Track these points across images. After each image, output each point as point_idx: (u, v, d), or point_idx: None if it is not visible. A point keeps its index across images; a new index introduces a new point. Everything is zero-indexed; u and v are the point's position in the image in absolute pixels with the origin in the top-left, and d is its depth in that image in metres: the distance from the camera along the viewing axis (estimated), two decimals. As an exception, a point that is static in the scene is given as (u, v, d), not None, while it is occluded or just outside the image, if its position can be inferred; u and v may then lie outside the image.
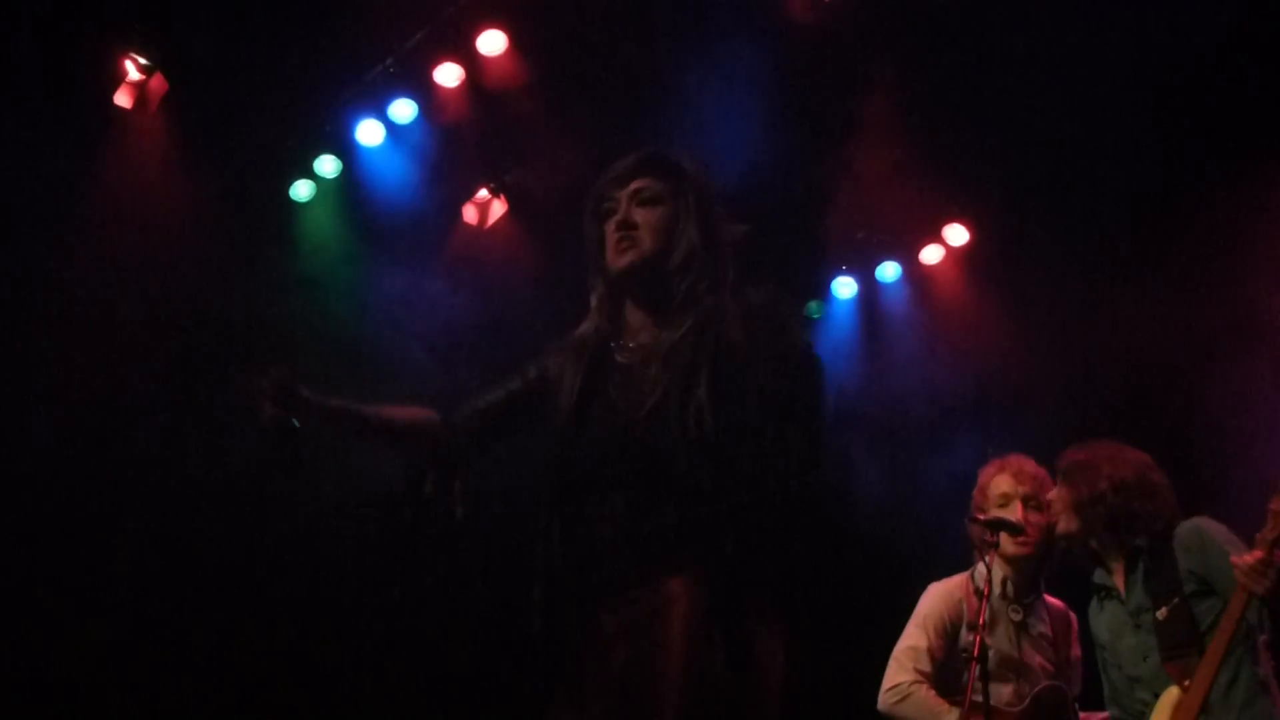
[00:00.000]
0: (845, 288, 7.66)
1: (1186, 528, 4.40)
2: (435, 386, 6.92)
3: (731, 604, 2.87)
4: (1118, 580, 4.52)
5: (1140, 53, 6.16)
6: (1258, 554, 4.06)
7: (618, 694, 2.90)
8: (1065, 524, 4.59)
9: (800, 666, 3.16)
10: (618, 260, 3.20)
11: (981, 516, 4.69)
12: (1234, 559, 4.12)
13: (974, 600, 4.59)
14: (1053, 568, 4.89)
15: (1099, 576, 4.60)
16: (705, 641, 2.83)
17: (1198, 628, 4.25)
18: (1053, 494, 4.68)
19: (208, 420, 6.70)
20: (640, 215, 3.19)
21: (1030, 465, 4.87)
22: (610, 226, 3.21)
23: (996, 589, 4.79)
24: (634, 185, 3.23)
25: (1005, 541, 4.73)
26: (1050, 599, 4.93)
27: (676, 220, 3.20)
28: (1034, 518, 4.75)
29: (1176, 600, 4.31)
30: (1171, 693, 4.28)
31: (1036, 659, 4.75)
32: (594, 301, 3.27)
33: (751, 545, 2.92)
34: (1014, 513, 4.75)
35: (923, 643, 4.79)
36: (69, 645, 6.25)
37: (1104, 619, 4.58)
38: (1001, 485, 4.85)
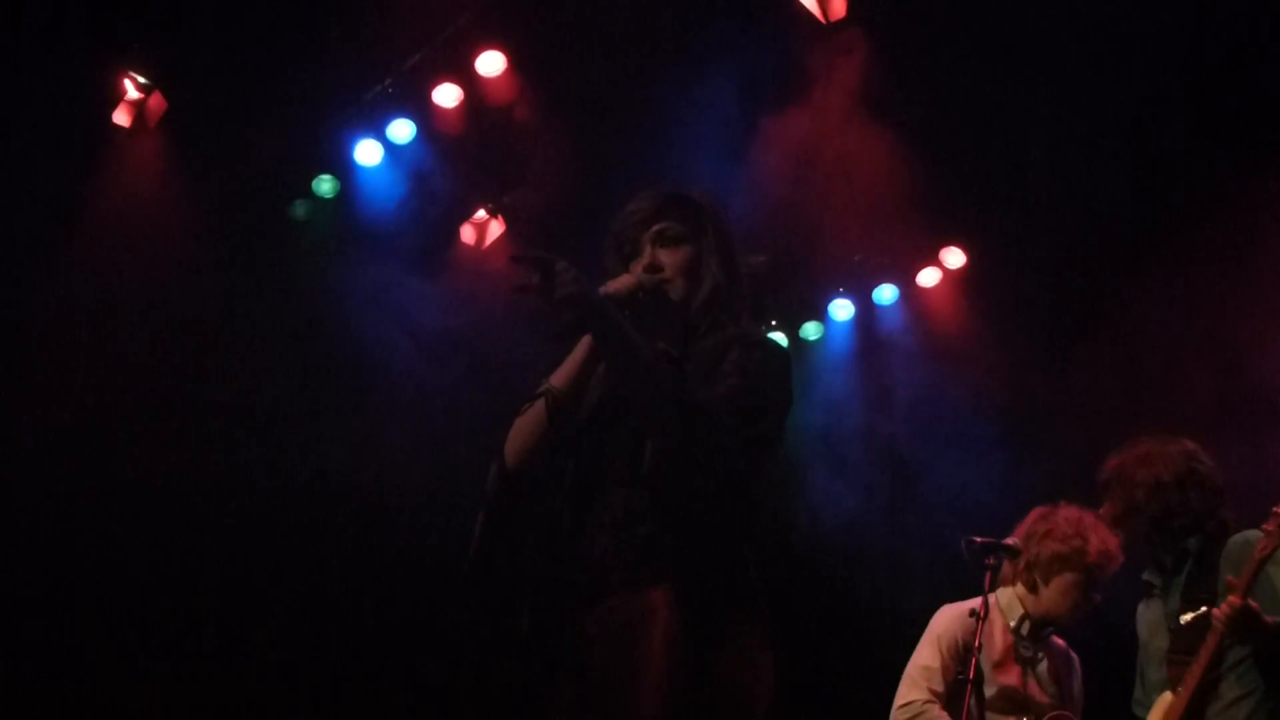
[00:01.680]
0: (842, 310, 7.66)
1: (1237, 540, 4.34)
2: (430, 398, 6.95)
3: (709, 614, 2.89)
4: (1163, 579, 4.50)
5: (1135, 79, 6.20)
6: (1234, 600, 4.03)
7: (599, 702, 2.92)
8: (1120, 537, 4.57)
9: (794, 680, 3.15)
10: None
11: (979, 539, 4.66)
12: (1213, 610, 4.08)
13: (974, 622, 4.58)
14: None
15: (1148, 574, 4.57)
16: (684, 653, 2.85)
17: None
18: (1102, 510, 4.64)
19: (206, 437, 6.70)
20: (665, 257, 3.24)
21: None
22: (636, 268, 3.24)
23: (1012, 622, 4.78)
24: (656, 228, 3.26)
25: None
26: (1055, 639, 4.91)
27: (700, 259, 3.24)
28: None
29: (1205, 609, 4.27)
30: (1166, 697, 4.27)
31: (1042, 696, 4.75)
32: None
33: (723, 553, 2.95)
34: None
35: (936, 662, 4.76)
36: (67, 648, 6.27)
37: (1146, 617, 4.57)
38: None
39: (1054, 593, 4.75)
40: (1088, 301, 6.97)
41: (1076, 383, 6.93)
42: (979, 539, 4.65)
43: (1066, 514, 4.80)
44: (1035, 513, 4.87)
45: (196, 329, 6.75)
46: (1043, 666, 4.79)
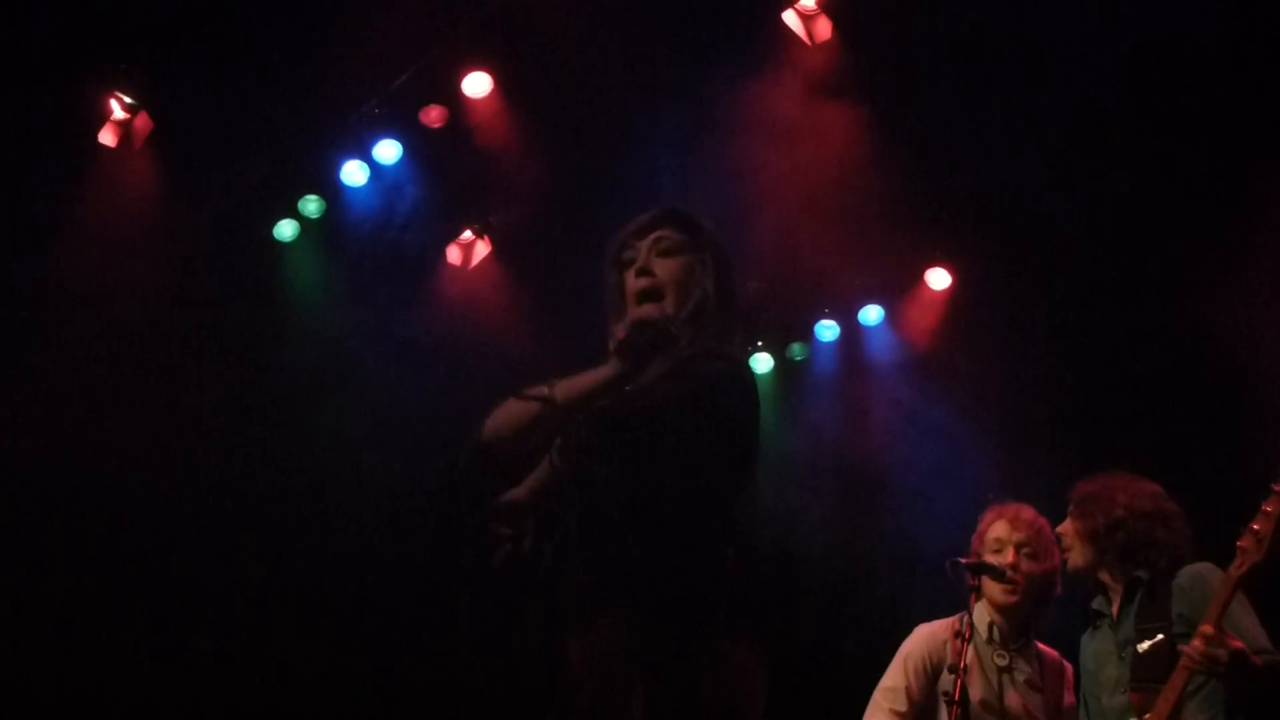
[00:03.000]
0: (828, 330, 7.68)
1: (1189, 572, 4.38)
2: (414, 414, 6.95)
3: (689, 640, 2.89)
4: (1114, 609, 4.51)
5: (1121, 101, 6.23)
6: (1205, 628, 4.01)
7: None
8: (1077, 556, 4.57)
9: (784, 697, 3.15)
10: (640, 314, 3.26)
11: (963, 560, 4.68)
12: (1181, 646, 4.08)
13: (957, 643, 4.58)
14: (1048, 616, 4.86)
15: (1097, 603, 4.59)
16: (664, 682, 2.86)
17: (1174, 667, 4.23)
18: (1063, 527, 4.66)
19: (191, 455, 6.70)
20: (659, 265, 3.28)
21: (1028, 513, 4.85)
22: (630, 274, 3.29)
23: (982, 633, 4.78)
24: (654, 235, 3.31)
25: (992, 588, 4.73)
26: (1044, 648, 4.89)
27: (693, 272, 3.28)
28: (1026, 566, 4.73)
29: (1161, 638, 4.30)
30: None
31: (1021, 705, 4.73)
32: (612, 345, 3.28)
33: (702, 576, 2.95)
34: (1005, 559, 4.74)
35: (901, 682, 4.78)
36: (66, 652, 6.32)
37: (1092, 646, 4.57)
38: (997, 531, 4.84)
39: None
40: (1073, 322, 6.99)
41: (1062, 403, 6.96)
42: (963, 559, 4.68)
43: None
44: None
45: (182, 348, 6.74)
46: (1022, 676, 4.78)
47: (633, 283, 3.30)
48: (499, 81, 6.60)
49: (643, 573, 2.95)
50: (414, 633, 6.88)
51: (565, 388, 3.15)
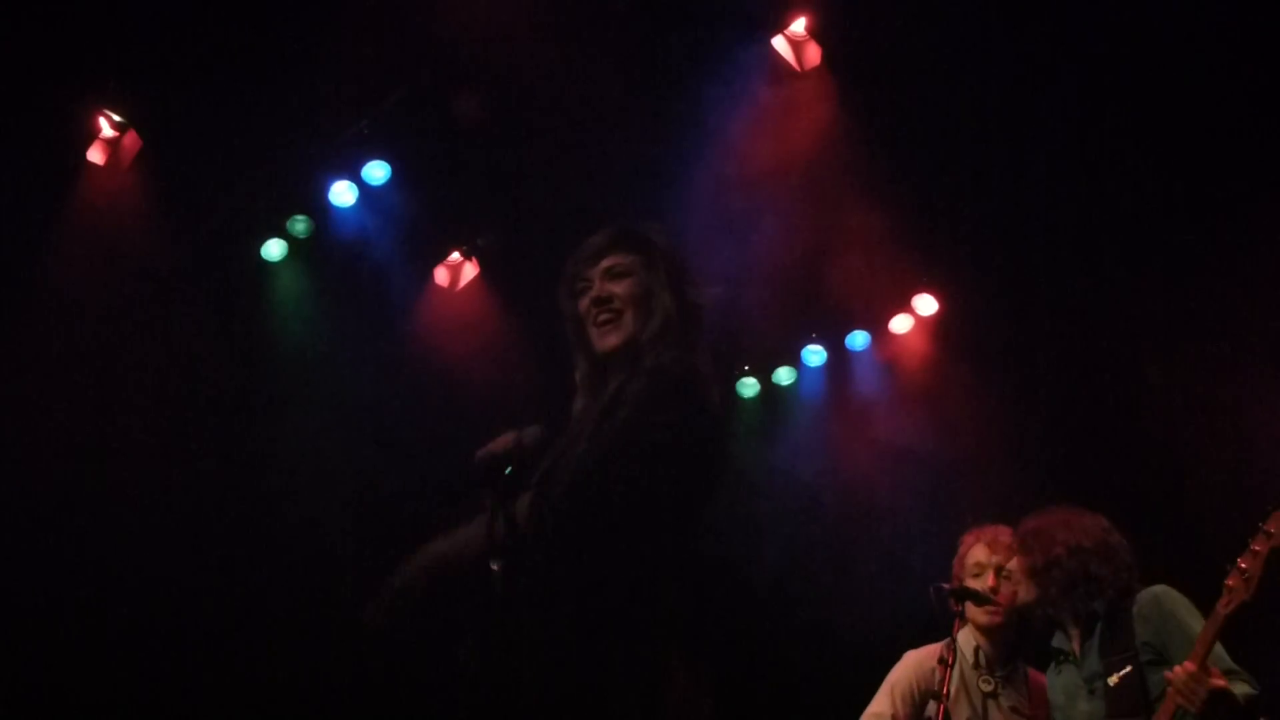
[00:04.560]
0: (815, 355, 7.69)
1: (1146, 597, 4.40)
2: (401, 432, 6.95)
3: (625, 665, 2.91)
4: (1075, 645, 4.51)
5: (1106, 128, 6.26)
6: (1189, 666, 4.02)
7: None
8: (1024, 592, 4.59)
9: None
10: (603, 341, 3.27)
11: (946, 586, 4.68)
12: (1166, 674, 4.08)
13: (943, 669, 4.58)
14: (1033, 641, 4.84)
15: (1057, 640, 4.60)
16: (609, 694, 2.89)
17: (1148, 696, 4.23)
18: (1012, 564, 4.68)
19: (177, 474, 6.68)
20: (615, 288, 3.27)
21: (1007, 535, 4.84)
22: (586, 303, 3.28)
23: (969, 658, 4.78)
24: (606, 263, 3.31)
25: (975, 612, 4.74)
26: (1036, 675, 4.86)
27: (650, 291, 3.27)
28: (1007, 588, 4.74)
29: (1129, 669, 4.30)
30: None
31: None
32: (579, 377, 3.32)
33: (641, 599, 2.96)
34: (986, 582, 4.75)
35: (887, 709, 4.78)
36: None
37: (1059, 683, 4.57)
38: (977, 555, 4.85)
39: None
40: (1060, 347, 7.01)
41: (1048, 428, 6.97)
42: (945, 585, 4.67)
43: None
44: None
45: (169, 368, 6.72)
46: (1008, 702, 4.77)
47: (592, 312, 3.31)
48: (489, 102, 6.60)
49: (591, 586, 2.97)
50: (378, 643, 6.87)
51: (442, 556, 3.23)
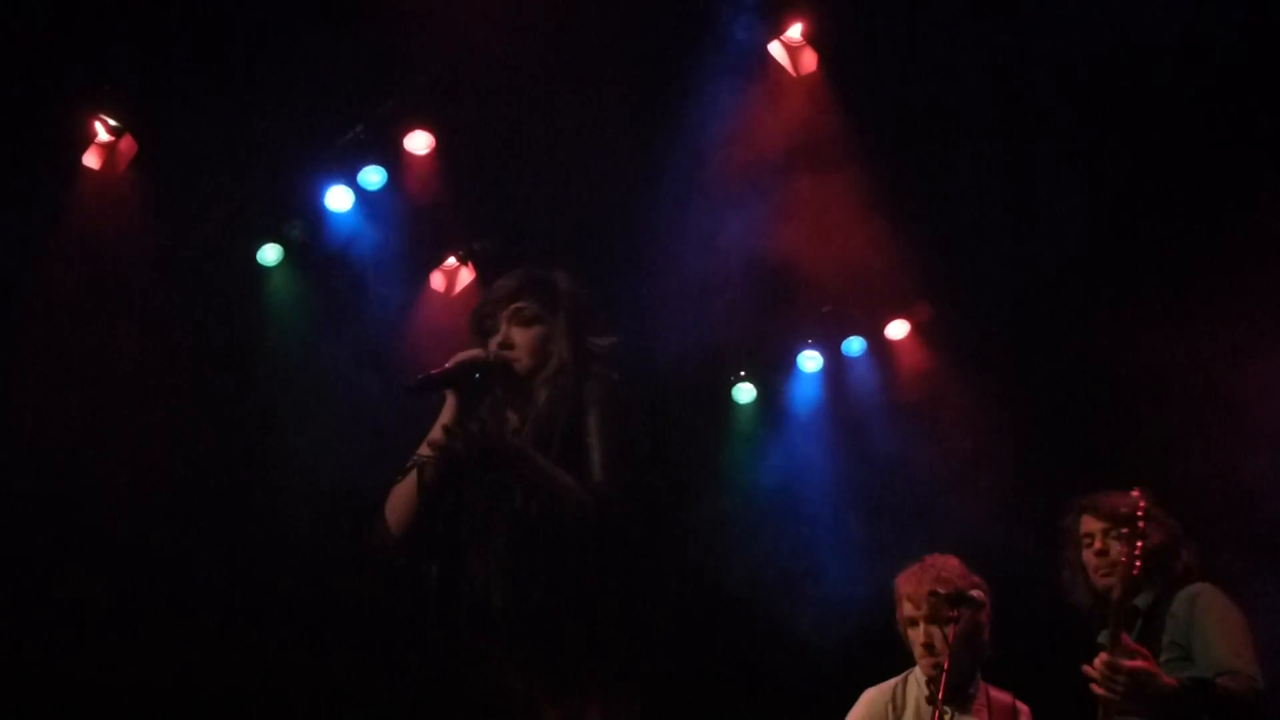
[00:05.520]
0: (811, 361, 7.69)
1: (1184, 596, 4.29)
2: (397, 443, 6.92)
3: (557, 666, 3.10)
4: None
5: (1098, 135, 6.27)
6: (1103, 656, 3.92)
7: None
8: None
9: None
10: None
11: (942, 590, 4.62)
12: (1085, 667, 3.95)
13: (897, 704, 4.57)
14: (986, 657, 4.76)
15: (1103, 638, 4.47)
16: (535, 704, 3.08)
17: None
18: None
19: (166, 478, 6.68)
20: (518, 335, 3.54)
21: (924, 580, 4.72)
22: (492, 345, 3.53)
23: (923, 689, 4.70)
24: (513, 306, 3.57)
25: (920, 661, 4.69)
26: (995, 693, 4.74)
27: (550, 338, 3.52)
28: (939, 635, 4.63)
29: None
30: None
31: None
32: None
33: (593, 622, 3.14)
34: (920, 638, 4.68)
35: None
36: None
37: None
38: (905, 610, 4.77)
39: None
40: (1051, 358, 7.02)
41: (1044, 435, 6.97)
42: (942, 590, 4.62)
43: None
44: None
45: (164, 373, 6.71)
46: None
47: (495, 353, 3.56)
48: (483, 108, 6.60)
49: (530, 595, 3.15)
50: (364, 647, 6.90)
51: (427, 444, 3.41)
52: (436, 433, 3.40)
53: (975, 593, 4.66)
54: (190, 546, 6.72)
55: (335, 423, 7.03)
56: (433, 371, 3.42)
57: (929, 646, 4.64)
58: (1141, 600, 4.36)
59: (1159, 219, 6.44)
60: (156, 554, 6.62)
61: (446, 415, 3.43)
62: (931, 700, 4.62)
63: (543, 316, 3.55)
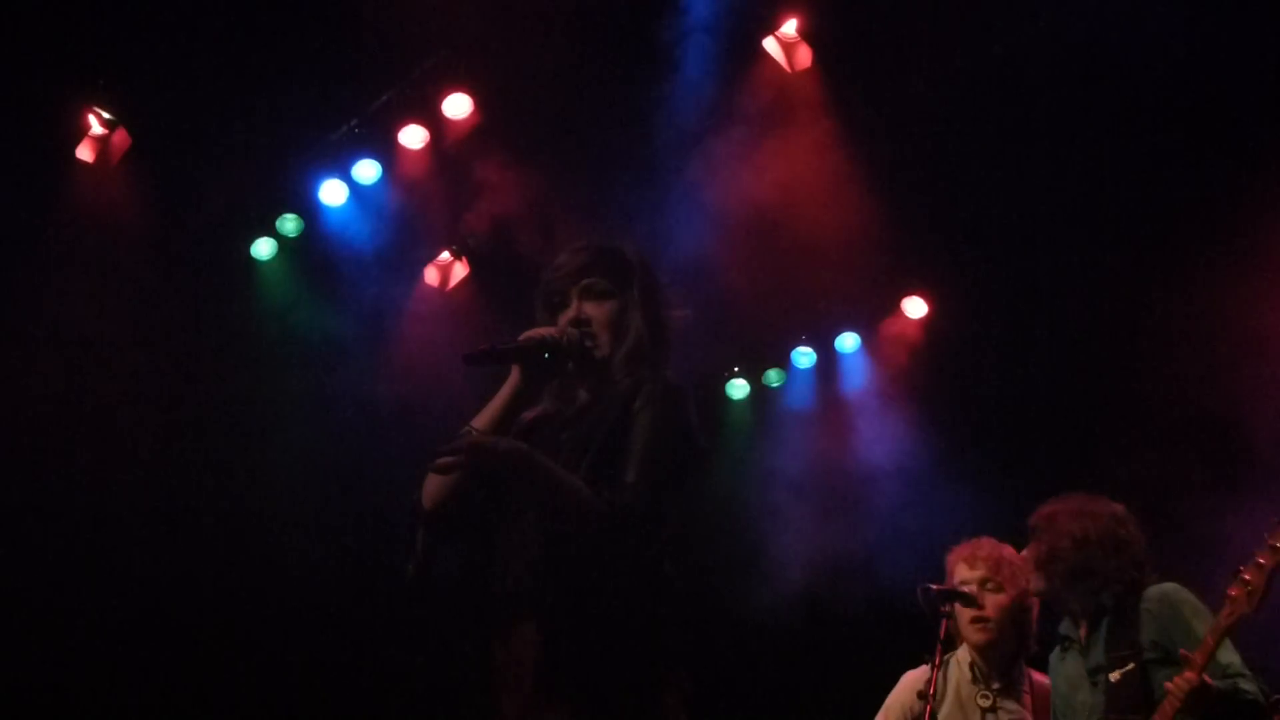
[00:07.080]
0: (805, 357, 7.70)
1: (1156, 594, 4.33)
2: (389, 436, 6.94)
3: (577, 656, 2.98)
4: (1080, 634, 4.47)
5: (1097, 129, 6.27)
6: (1190, 677, 3.98)
7: None
8: (1035, 581, 4.54)
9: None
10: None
11: (935, 587, 4.63)
12: (1166, 684, 4.03)
13: (938, 674, 4.56)
14: (1031, 646, 4.80)
15: (1065, 627, 4.55)
16: (553, 693, 2.96)
17: (1151, 695, 4.17)
18: (1026, 552, 4.62)
19: (160, 472, 6.67)
20: (592, 309, 3.35)
21: (985, 547, 4.79)
22: (563, 322, 3.35)
23: (965, 673, 4.75)
24: (584, 282, 3.37)
25: (967, 629, 4.70)
26: (1038, 677, 4.79)
27: (625, 312, 3.36)
28: (992, 600, 4.69)
29: (1133, 665, 4.26)
30: None
31: None
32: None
33: (592, 596, 3.01)
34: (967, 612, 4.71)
35: None
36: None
37: (1063, 669, 4.53)
38: (960, 573, 4.78)
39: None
40: (1049, 349, 7.02)
41: (1038, 430, 6.98)
42: (935, 586, 4.63)
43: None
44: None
45: (158, 366, 6.72)
46: (1007, 715, 4.70)
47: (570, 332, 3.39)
48: (479, 102, 6.60)
49: (557, 582, 3.03)
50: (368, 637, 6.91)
51: (481, 419, 3.26)
52: (488, 410, 3.26)
53: (968, 589, 4.68)
54: (182, 542, 6.73)
55: (328, 414, 7.03)
56: (497, 345, 3.23)
57: (981, 620, 4.68)
58: (1107, 599, 4.41)
59: (1165, 213, 6.43)
60: (149, 552, 6.62)
61: (507, 390, 3.27)
62: (975, 681, 4.69)
63: (614, 290, 3.37)
